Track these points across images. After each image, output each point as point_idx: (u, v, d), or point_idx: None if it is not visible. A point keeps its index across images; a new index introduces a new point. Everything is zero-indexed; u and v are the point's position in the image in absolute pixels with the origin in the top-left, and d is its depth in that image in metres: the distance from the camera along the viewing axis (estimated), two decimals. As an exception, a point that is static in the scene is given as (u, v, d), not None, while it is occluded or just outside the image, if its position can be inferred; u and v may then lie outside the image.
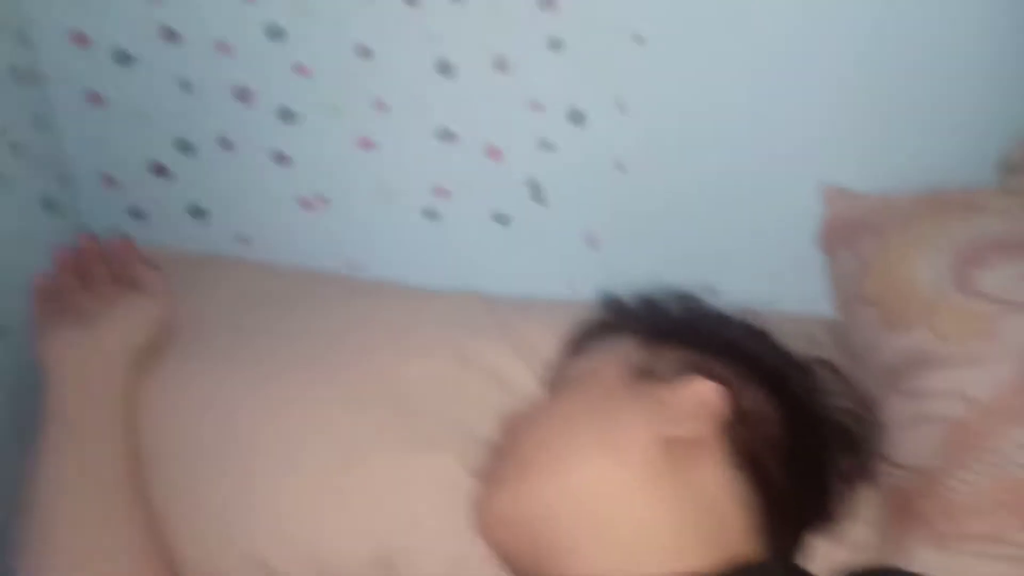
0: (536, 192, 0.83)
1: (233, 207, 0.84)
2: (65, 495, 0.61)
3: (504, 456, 0.63)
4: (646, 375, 0.62)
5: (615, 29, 0.74)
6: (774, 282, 0.77)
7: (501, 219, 0.85)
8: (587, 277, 0.88)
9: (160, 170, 0.81)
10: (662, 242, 0.86)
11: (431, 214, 0.84)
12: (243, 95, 0.77)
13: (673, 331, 0.68)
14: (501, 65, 0.75)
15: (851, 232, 0.79)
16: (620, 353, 0.65)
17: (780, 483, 0.59)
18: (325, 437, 0.69)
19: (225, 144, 0.80)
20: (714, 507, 0.57)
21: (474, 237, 0.86)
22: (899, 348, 0.69)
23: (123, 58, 0.75)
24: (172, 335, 0.74)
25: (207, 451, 0.68)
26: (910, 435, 0.66)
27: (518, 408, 0.70)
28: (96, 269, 0.75)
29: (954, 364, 0.65)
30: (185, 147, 0.80)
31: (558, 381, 0.69)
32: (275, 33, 0.73)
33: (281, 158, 0.81)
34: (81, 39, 0.73)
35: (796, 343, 0.72)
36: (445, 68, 0.75)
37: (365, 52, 0.74)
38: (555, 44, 0.74)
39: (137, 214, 0.84)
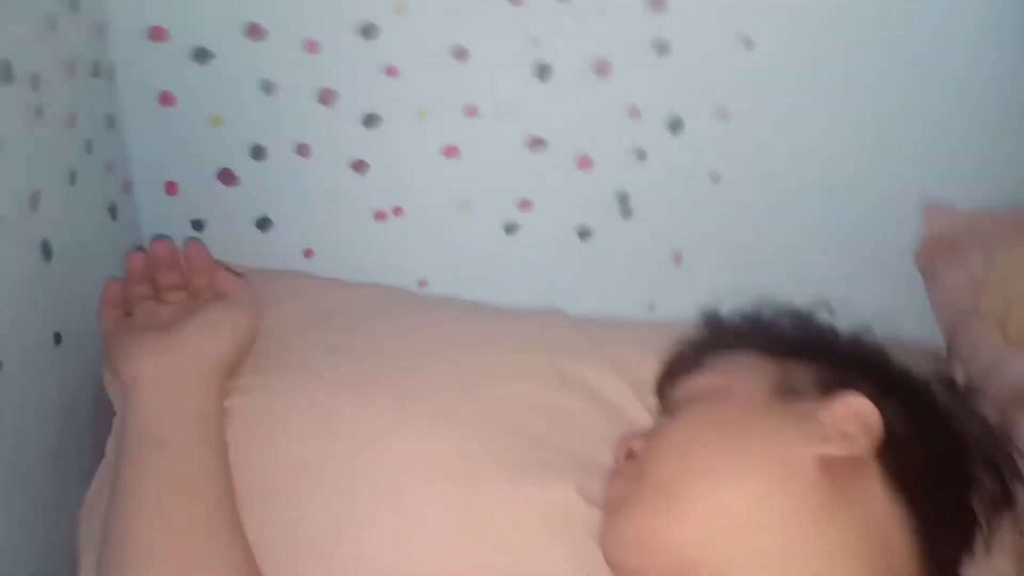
0: (624, 205, 0.79)
1: (301, 217, 0.80)
2: (165, 525, 0.55)
3: (634, 481, 0.59)
4: (789, 391, 0.59)
5: (724, 32, 0.71)
6: (872, 305, 0.74)
7: (583, 233, 0.81)
8: (668, 296, 0.85)
9: (228, 177, 0.76)
10: (749, 259, 0.82)
11: (511, 227, 0.80)
12: (326, 97, 0.72)
13: (800, 347, 0.64)
14: (602, 69, 0.72)
15: (954, 250, 0.76)
16: (752, 369, 0.62)
17: (934, 508, 0.56)
18: (429, 461, 0.64)
19: (301, 150, 0.75)
20: (881, 533, 0.53)
21: (553, 252, 0.82)
22: (1030, 368, 0.66)
23: (201, 55, 0.70)
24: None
25: (301, 474, 0.63)
26: (1049, 459, 0.62)
27: (634, 430, 0.65)
28: (168, 277, 0.70)
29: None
30: (258, 153, 0.75)
31: (678, 401, 0.64)
32: (367, 31, 0.69)
33: (359, 166, 0.76)
34: (159, 34, 0.69)
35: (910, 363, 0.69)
36: (543, 71, 0.72)
37: (461, 53, 0.71)
38: (661, 48, 0.71)
39: (198, 224, 0.79)
